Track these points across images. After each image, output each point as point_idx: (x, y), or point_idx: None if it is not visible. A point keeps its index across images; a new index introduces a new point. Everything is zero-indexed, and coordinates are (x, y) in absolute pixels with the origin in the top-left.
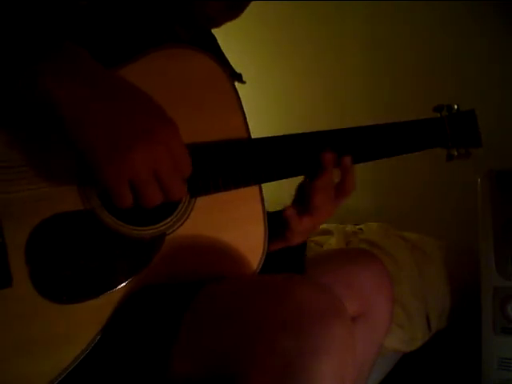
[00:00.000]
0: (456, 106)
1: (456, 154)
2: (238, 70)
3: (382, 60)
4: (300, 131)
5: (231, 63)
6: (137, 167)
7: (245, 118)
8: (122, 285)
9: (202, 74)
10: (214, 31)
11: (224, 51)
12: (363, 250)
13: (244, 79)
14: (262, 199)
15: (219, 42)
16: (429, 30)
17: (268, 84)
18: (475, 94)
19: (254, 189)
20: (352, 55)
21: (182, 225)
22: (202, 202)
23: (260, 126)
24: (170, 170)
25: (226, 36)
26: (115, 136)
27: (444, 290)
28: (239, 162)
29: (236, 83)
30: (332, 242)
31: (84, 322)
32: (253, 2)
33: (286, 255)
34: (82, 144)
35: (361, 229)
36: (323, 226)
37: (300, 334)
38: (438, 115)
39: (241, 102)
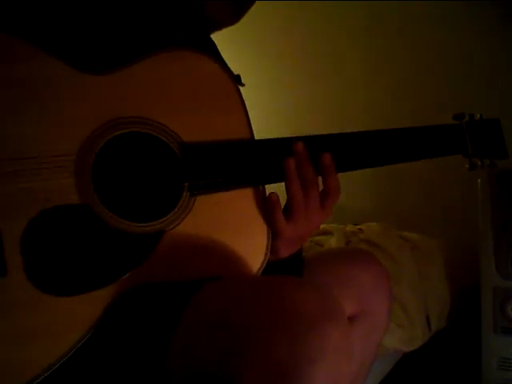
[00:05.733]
0: (479, 115)
1: (480, 163)
2: (236, 72)
3: (382, 65)
4: (304, 134)
5: (237, 67)
6: None
7: (248, 119)
8: (117, 281)
9: (205, 76)
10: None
11: (225, 54)
12: (361, 250)
13: (243, 81)
14: (265, 200)
15: (221, 44)
16: (429, 35)
17: (272, 87)
18: (475, 94)
19: (258, 189)
20: (355, 57)
21: (180, 223)
22: (202, 200)
23: (265, 129)
24: None
25: (226, 39)
26: None
27: (444, 289)
28: (241, 162)
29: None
30: (332, 242)
31: (78, 315)
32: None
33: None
34: None
35: (361, 229)
36: (323, 226)
37: (293, 338)
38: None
39: (244, 104)
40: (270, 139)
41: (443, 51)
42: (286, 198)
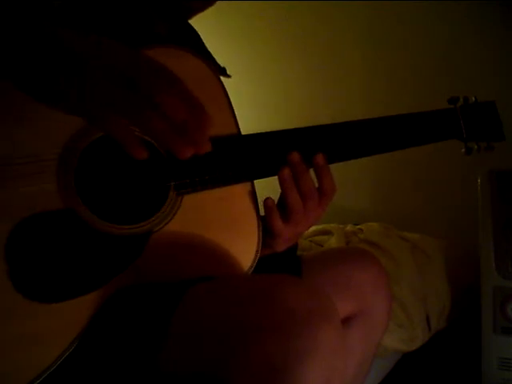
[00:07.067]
0: (474, 98)
1: (476, 147)
2: (222, 64)
3: (381, 57)
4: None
5: (233, 61)
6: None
7: (234, 114)
8: (106, 284)
9: (189, 73)
10: (212, 28)
11: (224, 49)
12: (360, 249)
13: (229, 73)
14: (255, 196)
15: (220, 39)
16: (428, 29)
17: (267, 80)
18: (474, 94)
19: (246, 185)
20: (351, 52)
21: (168, 223)
22: (190, 199)
23: (260, 123)
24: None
25: (226, 33)
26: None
27: (444, 290)
28: (227, 157)
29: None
30: (332, 242)
31: (65, 321)
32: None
33: (282, 255)
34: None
35: (361, 229)
36: (323, 226)
37: (285, 337)
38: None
39: (229, 98)
40: (256, 133)
41: (443, 50)
42: (273, 189)
